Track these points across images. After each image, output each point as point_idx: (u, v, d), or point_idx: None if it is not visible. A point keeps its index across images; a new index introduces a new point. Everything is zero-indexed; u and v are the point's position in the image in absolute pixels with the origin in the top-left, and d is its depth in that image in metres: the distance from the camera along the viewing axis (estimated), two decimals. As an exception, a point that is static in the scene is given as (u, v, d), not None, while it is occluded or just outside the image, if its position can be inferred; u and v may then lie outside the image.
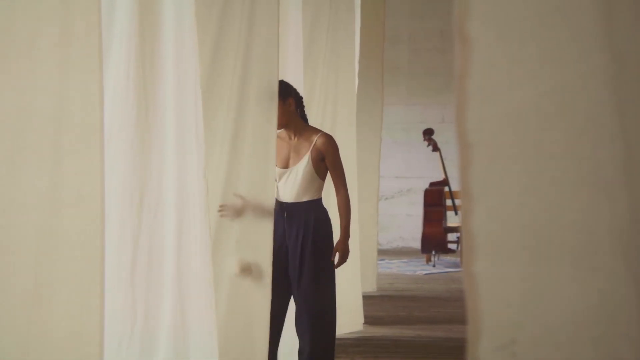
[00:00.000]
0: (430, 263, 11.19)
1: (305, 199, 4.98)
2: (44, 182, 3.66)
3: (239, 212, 4.48)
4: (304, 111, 5.14)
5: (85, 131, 3.76)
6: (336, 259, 5.03)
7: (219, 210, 4.45)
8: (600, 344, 1.88)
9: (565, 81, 1.88)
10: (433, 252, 11.02)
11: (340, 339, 7.18)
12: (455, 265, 11.18)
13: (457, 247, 11.34)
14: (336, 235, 5.12)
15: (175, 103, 4.64)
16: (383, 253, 12.18)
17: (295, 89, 5.08)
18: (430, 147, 11.38)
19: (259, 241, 4.49)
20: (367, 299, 8.37)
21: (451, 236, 11.33)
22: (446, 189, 11.16)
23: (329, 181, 5.21)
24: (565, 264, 1.88)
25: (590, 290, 1.88)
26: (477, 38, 1.81)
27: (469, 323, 1.78)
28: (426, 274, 10.64)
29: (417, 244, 12.06)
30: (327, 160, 5.00)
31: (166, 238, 4.59)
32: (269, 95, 4.54)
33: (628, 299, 1.89)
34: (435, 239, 10.92)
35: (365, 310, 7.77)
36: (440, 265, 11.16)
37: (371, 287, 9.04)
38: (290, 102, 4.98)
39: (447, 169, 11.29)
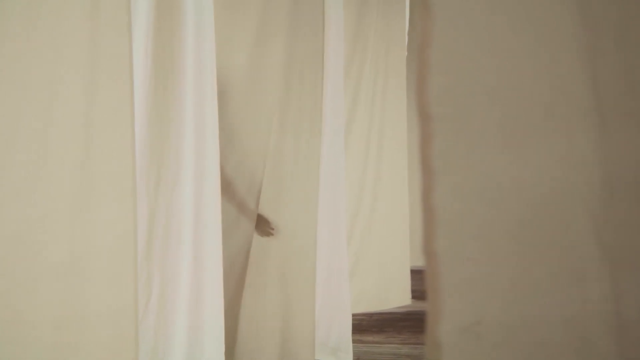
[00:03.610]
0: (487, 237, 11.07)
1: None
2: (77, 155, 3.65)
3: None
4: None
5: (115, 105, 3.73)
6: None
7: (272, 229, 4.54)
8: (571, 325, 1.80)
9: (538, 51, 1.79)
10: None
11: (388, 314, 7.13)
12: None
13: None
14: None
15: (194, 82, 4.60)
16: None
17: None
18: (489, 120, 11.23)
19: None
20: (417, 273, 8.28)
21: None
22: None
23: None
24: (535, 242, 1.79)
25: (561, 270, 1.80)
26: (439, 3, 1.73)
27: (428, 304, 1.71)
28: (483, 248, 10.53)
29: (476, 218, 11.88)
30: None
31: (183, 216, 4.57)
32: (312, 99, 4.55)
33: (600, 278, 1.80)
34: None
35: (413, 285, 7.70)
36: (498, 239, 11.01)
37: (422, 262, 8.95)
38: None
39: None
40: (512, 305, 1.78)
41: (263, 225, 4.57)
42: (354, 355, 5.74)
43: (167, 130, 4.56)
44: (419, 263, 8.92)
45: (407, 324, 6.90)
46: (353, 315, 5.92)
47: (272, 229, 4.54)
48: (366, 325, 6.86)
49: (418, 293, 7.80)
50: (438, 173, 1.71)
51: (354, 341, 5.92)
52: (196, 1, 4.56)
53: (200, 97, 4.57)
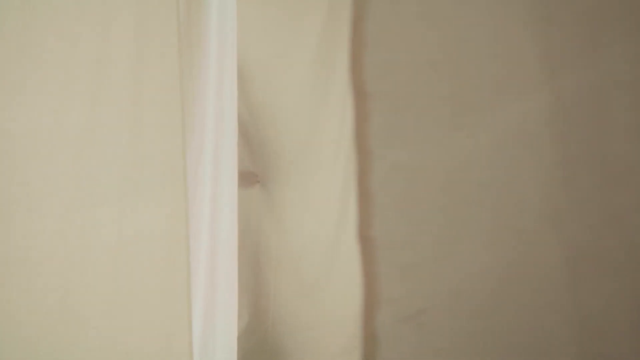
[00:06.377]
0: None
1: None
2: (126, 136, 3.63)
3: None
4: None
5: (164, 84, 3.70)
6: None
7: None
8: (523, 312, 1.68)
9: (486, 22, 1.65)
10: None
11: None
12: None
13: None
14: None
15: (216, 64, 4.51)
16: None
17: None
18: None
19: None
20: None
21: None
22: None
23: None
24: (485, 226, 1.67)
25: (512, 254, 1.67)
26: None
27: (364, 293, 1.60)
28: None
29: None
30: None
31: (201, 201, 4.51)
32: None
33: (555, 263, 1.67)
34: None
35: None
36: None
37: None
38: None
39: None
40: (460, 292, 1.67)
41: (246, 177, 4.49)
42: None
43: (192, 112, 4.48)
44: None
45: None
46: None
47: (256, 177, 4.46)
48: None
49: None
50: (375, 154, 1.60)
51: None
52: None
53: (221, 84, 4.48)
